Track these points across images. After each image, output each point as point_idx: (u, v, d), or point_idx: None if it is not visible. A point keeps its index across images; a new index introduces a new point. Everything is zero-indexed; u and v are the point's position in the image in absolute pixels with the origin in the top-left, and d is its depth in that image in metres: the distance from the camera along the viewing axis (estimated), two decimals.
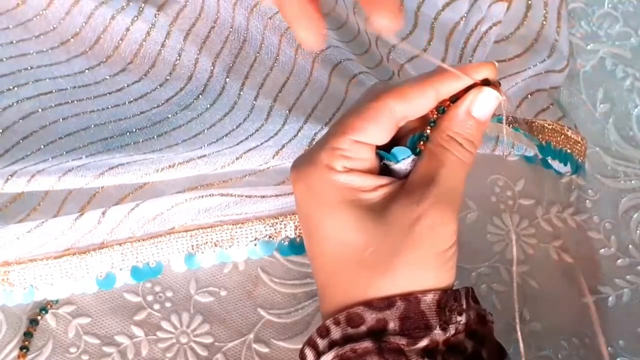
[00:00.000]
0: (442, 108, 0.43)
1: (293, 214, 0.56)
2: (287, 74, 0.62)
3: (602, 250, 0.58)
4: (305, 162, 0.42)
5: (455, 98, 0.43)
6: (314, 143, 0.56)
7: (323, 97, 0.60)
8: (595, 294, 0.56)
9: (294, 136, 0.57)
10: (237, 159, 0.56)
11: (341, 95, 0.60)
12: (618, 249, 0.58)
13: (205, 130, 0.59)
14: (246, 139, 0.58)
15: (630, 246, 0.58)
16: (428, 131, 0.43)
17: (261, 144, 0.57)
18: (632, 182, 0.61)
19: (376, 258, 0.41)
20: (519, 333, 0.43)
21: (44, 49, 0.64)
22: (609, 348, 0.54)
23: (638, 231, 0.59)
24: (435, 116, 0.43)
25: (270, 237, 0.56)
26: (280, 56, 0.62)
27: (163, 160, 0.55)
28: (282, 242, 0.56)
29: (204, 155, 0.56)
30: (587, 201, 0.60)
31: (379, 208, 0.41)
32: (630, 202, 0.60)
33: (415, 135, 0.44)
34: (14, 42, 0.64)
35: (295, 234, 0.56)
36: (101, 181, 0.54)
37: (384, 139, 0.42)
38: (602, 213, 0.60)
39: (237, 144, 0.57)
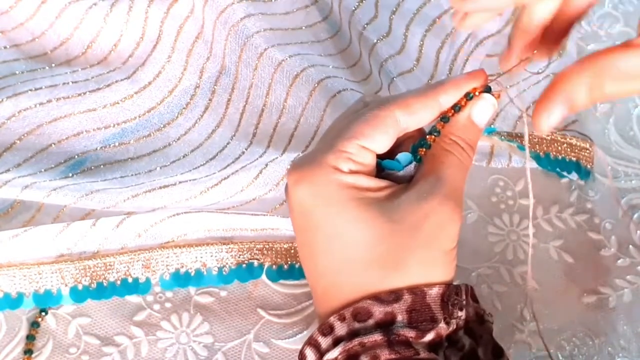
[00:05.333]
0: (447, 117, 0.44)
1: (281, 242, 0.56)
2: (264, 95, 0.62)
3: (602, 250, 0.58)
4: (309, 163, 0.43)
5: (458, 107, 0.44)
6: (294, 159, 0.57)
7: (301, 119, 0.61)
8: (596, 294, 0.56)
9: (276, 158, 0.58)
10: (224, 179, 0.56)
11: (319, 115, 0.61)
12: (618, 249, 0.58)
13: (195, 151, 0.60)
14: (233, 162, 0.58)
15: (630, 246, 0.58)
16: (429, 138, 0.44)
17: (245, 165, 0.57)
18: (633, 182, 0.61)
19: (387, 254, 0.41)
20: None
21: (38, 54, 0.64)
22: (609, 348, 0.54)
23: (638, 231, 0.59)
24: (440, 126, 0.44)
25: (258, 261, 0.56)
26: (258, 70, 0.63)
27: (155, 182, 0.56)
28: (271, 267, 0.56)
29: (194, 179, 0.56)
30: (587, 201, 0.60)
31: (385, 207, 0.42)
32: (631, 202, 0.60)
33: (416, 143, 0.44)
34: (7, 47, 0.64)
35: (283, 260, 0.56)
36: (90, 201, 0.54)
37: (385, 147, 0.43)
38: (603, 213, 0.60)
39: (225, 167, 0.58)
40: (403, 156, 0.44)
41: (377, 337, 0.40)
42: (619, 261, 0.58)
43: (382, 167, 0.44)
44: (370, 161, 0.43)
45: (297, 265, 0.56)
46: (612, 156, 0.62)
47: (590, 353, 0.54)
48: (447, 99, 0.44)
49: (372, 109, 0.43)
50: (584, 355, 0.54)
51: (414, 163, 0.44)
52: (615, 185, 0.61)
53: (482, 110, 0.44)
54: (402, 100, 0.43)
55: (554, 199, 0.60)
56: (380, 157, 0.44)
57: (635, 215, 0.60)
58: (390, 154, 0.44)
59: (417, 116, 0.44)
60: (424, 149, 0.44)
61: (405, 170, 0.44)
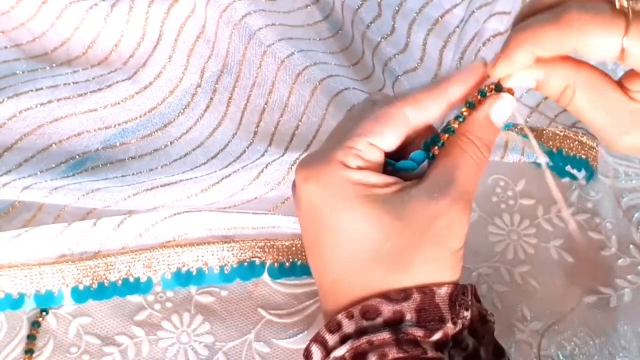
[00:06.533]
0: (462, 116, 0.44)
1: (282, 239, 0.56)
2: (266, 93, 0.62)
3: (603, 250, 0.58)
4: (316, 159, 0.43)
5: (472, 104, 0.44)
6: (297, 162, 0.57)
7: (303, 117, 0.61)
8: (597, 294, 0.56)
9: (278, 157, 0.58)
10: (225, 177, 0.56)
11: (321, 114, 0.61)
12: (619, 248, 0.58)
13: (196, 149, 0.60)
14: (234, 160, 0.58)
15: (631, 246, 0.58)
16: (444, 136, 0.44)
17: (247, 164, 0.57)
18: (633, 182, 0.61)
19: (394, 253, 0.41)
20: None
21: (39, 54, 0.64)
22: (610, 348, 0.54)
23: (639, 231, 0.59)
24: (455, 125, 0.44)
25: (259, 259, 0.56)
26: (262, 68, 0.63)
27: (156, 181, 0.56)
28: (272, 264, 0.56)
29: (195, 177, 0.56)
30: (588, 201, 0.60)
31: (394, 203, 0.41)
32: (631, 202, 0.60)
33: (428, 140, 0.44)
34: (8, 47, 0.64)
35: (285, 257, 0.56)
36: (91, 200, 0.55)
37: (394, 145, 0.43)
38: (603, 213, 0.60)
39: (226, 166, 0.58)
40: (417, 155, 0.44)
41: (385, 335, 0.40)
42: (620, 261, 0.58)
43: (397, 168, 0.44)
44: (378, 158, 0.43)
45: (298, 263, 0.56)
46: (612, 156, 0.62)
47: (590, 353, 0.54)
48: (454, 92, 0.44)
49: (380, 107, 0.43)
50: (585, 354, 0.54)
51: (426, 161, 0.44)
52: (616, 185, 0.61)
53: (501, 109, 0.44)
54: (410, 97, 0.43)
55: (554, 198, 0.60)
56: (389, 156, 0.44)
57: (636, 215, 0.60)
58: (399, 152, 0.44)
59: (426, 111, 0.43)
60: (437, 147, 0.44)
61: (419, 168, 0.44)
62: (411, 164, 0.44)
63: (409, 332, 0.40)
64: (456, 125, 0.44)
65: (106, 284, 0.54)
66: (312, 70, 0.61)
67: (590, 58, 0.40)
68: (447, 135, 0.44)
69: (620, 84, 0.42)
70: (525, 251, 0.58)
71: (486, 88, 0.43)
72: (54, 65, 0.63)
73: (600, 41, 0.38)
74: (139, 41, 0.64)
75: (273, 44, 0.62)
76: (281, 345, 0.53)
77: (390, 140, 0.43)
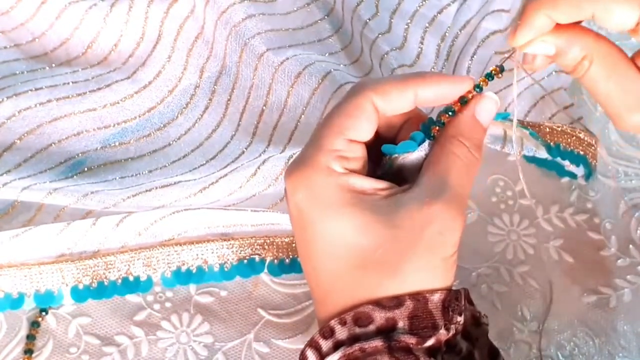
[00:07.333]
0: (466, 99, 0.43)
1: (282, 236, 0.56)
2: (265, 95, 0.62)
3: (603, 250, 0.58)
4: (304, 167, 0.42)
5: (464, 100, 0.43)
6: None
7: (301, 117, 0.61)
8: (596, 294, 0.56)
9: (276, 154, 0.58)
10: (222, 177, 0.57)
11: (321, 112, 0.61)
12: (618, 249, 0.58)
13: (195, 150, 0.60)
14: (233, 161, 0.58)
15: (630, 246, 0.58)
16: (444, 116, 0.43)
17: (244, 163, 0.58)
18: (633, 181, 0.61)
19: (385, 260, 0.41)
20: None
21: (38, 54, 0.64)
22: (609, 347, 0.54)
23: (638, 231, 0.59)
24: (457, 107, 0.44)
25: (259, 256, 0.56)
26: (258, 70, 0.63)
27: (155, 182, 0.56)
28: (272, 261, 0.56)
29: (195, 179, 0.57)
30: (588, 201, 0.60)
31: (384, 210, 0.41)
32: (631, 202, 0.60)
33: (426, 122, 0.44)
34: (7, 47, 0.64)
35: (285, 254, 0.56)
36: (90, 201, 0.55)
37: (371, 134, 0.43)
38: (603, 213, 0.60)
39: (225, 166, 0.58)
40: (417, 134, 0.43)
41: (377, 343, 0.40)
42: (619, 261, 0.58)
43: (396, 152, 0.43)
44: (361, 153, 0.43)
45: (299, 259, 0.56)
46: (612, 156, 0.62)
47: (590, 353, 0.54)
48: (425, 92, 0.43)
49: (350, 97, 0.43)
50: (584, 354, 0.54)
51: (427, 142, 0.43)
52: (618, 186, 0.61)
53: (486, 108, 0.43)
54: (379, 86, 0.43)
55: (554, 198, 0.60)
56: (375, 147, 0.43)
57: (636, 215, 0.60)
58: (393, 140, 0.44)
59: (393, 104, 0.43)
60: (437, 127, 0.43)
61: (419, 149, 0.43)
62: (412, 145, 0.43)
63: (401, 339, 0.40)
64: (458, 108, 0.43)
65: (106, 283, 0.54)
66: (312, 69, 0.61)
67: (606, 27, 0.40)
68: (447, 115, 0.43)
69: (633, 62, 0.41)
70: (525, 251, 0.58)
71: (504, 64, 0.43)
72: (53, 65, 0.64)
73: (619, 9, 0.38)
74: (138, 41, 0.64)
75: (268, 50, 0.62)
76: (281, 346, 0.53)
77: (366, 131, 0.43)
